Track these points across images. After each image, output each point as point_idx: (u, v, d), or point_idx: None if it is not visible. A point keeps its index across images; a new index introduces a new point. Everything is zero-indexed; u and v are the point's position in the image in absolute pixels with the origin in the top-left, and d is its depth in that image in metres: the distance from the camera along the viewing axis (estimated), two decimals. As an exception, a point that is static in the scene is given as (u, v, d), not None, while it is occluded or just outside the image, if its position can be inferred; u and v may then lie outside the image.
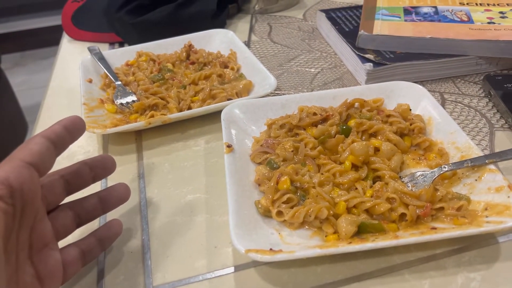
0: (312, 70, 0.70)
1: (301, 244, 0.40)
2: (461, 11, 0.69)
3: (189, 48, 0.71)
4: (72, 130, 0.38)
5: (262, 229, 0.42)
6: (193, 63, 0.70)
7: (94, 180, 0.42)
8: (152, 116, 0.58)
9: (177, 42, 0.74)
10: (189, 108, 0.60)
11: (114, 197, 0.43)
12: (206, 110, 0.58)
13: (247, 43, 0.79)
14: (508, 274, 0.38)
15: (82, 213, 0.41)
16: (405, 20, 0.69)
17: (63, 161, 0.54)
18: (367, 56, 0.63)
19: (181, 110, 0.59)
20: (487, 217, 0.40)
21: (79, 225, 0.41)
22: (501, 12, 0.68)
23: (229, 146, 0.49)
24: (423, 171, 0.46)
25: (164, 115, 0.58)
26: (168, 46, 0.74)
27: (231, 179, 0.45)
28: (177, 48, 0.73)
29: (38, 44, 2.19)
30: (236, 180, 0.45)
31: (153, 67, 0.68)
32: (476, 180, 0.44)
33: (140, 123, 0.55)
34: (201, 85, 0.63)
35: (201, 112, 0.57)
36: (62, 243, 0.39)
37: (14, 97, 1.63)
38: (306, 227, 0.43)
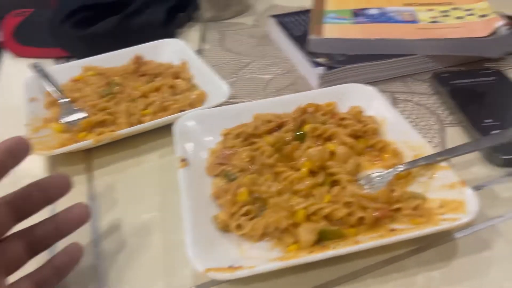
0: (266, 76, 0.70)
1: (262, 257, 0.39)
2: (406, 11, 0.71)
3: (137, 60, 0.69)
4: (14, 152, 0.35)
5: (221, 245, 0.41)
6: (143, 75, 0.67)
7: (47, 203, 0.38)
8: (101, 133, 0.55)
9: (126, 54, 0.72)
10: (140, 122, 0.57)
11: (72, 219, 0.39)
12: (158, 124, 0.56)
13: (199, 52, 0.78)
14: (466, 269, 0.39)
15: (35, 241, 0.37)
16: (354, 23, 0.69)
17: (7, 187, 0.51)
18: (318, 60, 0.63)
19: (132, 125, 0.57)
20: (443, 214, 0.40)
21: (33, 255, 0.37)
22: (443, 11, 0.70)
23: (183, 160, 0.48)
24: (379, 172, 0.47)
25: (114, 131, 0.55)
26: (117, 59, 0.71)
27: (186, 196, 0.43)
28: (126, 60, 0.71)
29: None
30: (192, 196, 0.44)
31: (101, 81, 0.66)
32: (429, 178, 0.45)
33: (89, 141, 0.53)
34: (152, 97, 0.61)
35: (152, 125, 0.56)
36: (14, 277, 0.36)
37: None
38: (267, 239, 0.42)
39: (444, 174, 0.44)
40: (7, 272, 0.35)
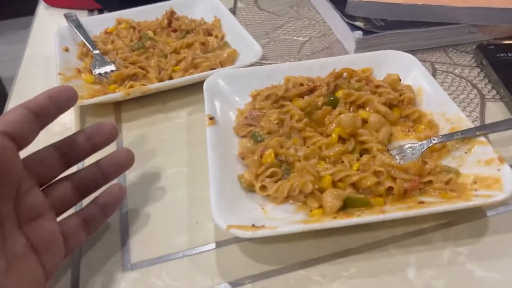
0: (300, 38, 0.67)
1: (285, 219, 0.39)
2: (455, -23, 0.67)
3: (171, 15, 0.68)
4: (59, 100, 0.36)
5: (245, 204, 0.41)
6: (175, 30, 0.66)
7: (94, 150, 0.40)
8: (132, 86, 0.55)
9: (158, 8, 0.71)
10: (170, 78, 0.57)
11: (115, 165, 0.40)
12: (188, 80, 0.55)
13: (233, 10, 0.76)
14: (495, 248, 0.37)
15: (82, 184, 0.39)
16: (397, -14, 0.66)
17: (40, 136, 0.52)
18: (356, 24, 0.61)
19: (162, 80, 0.57)
20: (476, 190, 0.39)
21: (80, 197, 0.39)
22: (496, -22, 0.65)
23: (211, 118, 0.47)
24: (411, 144, 0.45)
25: (144, 85, 0.55)
26: (149, 13, 0.70)
27: (213, 153, 0.43)
28: (158, 15, 0.70)
29: (17, 13, 2.09)
30: (219, 154, 0.44)
31: (133, 35, 0.65)
32: (466, 152, 0.43)
33: (119, 93, 0.53)
34: (183, 54, 0.60)
35: (182, 82, 0.55)
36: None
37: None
38: (291, 201, 0.41)
39: (481, 149, 0.42)
40: (56, 211, 0.37)
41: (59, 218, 0.37)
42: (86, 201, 0.40)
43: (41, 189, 0.36)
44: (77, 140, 0.38)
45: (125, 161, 0.41)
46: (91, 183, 0.39)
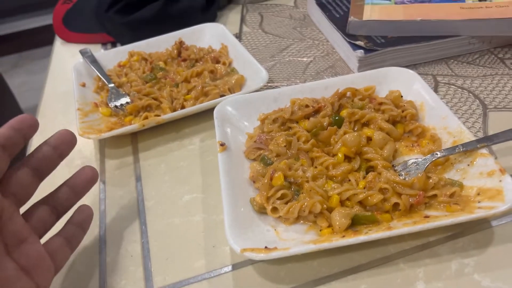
0: (305, 59, 0.70)
1: (296, 239, 0.41)
2: (452, -11, 0.68)
3: (180, 45, 0.71)
4: (21, 129, 0.38)
5: (258, 226, 0.43)
6: (184, 60, 0.70)
7: (61, 158, 0.42)
8: (146, 117, 0.58)
9: (168, 39, 0.74)
10: (183, 107, 0.60)
11: (83, 181, 0.43)
12: (199, 108, 0.58)
13: (239, 35, 0.79)
14: (501, 258, 0.39)
15: (57, 204, 0.42)
16: (396, 3, 0.68)
17: (63, 169, 0.55)
18: (357, 43, 0.63)
19: (174, 110, 0.59)
20: (479, 202, 0.40)
21: (58, 216, 0.42)
22: (492, -11, 0.67)
23: (222, 144, 0.49)
24: (415, 159, 0.47)
25: (158, 115, 0.58)
26: (160, 44, 0.74)
27: (225, 178, 0.45)
28: (168, 45, 0.73)
29: (34, 44, 2.18)
30: (231, 179, 0.46)
31: (145, 66, 0.68)
32: (468, 165, 0.44)
33: (134, 125, 0.56)
34: (193, 82, 0.63)
35: (194, 110, 0.58)
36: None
37: (14, 99, 1.64)
38: (302, 221, 0.43)
39: (483, 161, 0.43)
40: (37, 231, 0.40)
41: (42, 240, 0.40)
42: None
43: (22, 214, 0.39)
44: (44, 151, 0.40)
45: (91, 177, 0.44)
46: (65, 203, 0.42)
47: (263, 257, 0.37)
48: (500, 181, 0.40)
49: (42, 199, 0.42)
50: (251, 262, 0.41)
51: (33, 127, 0.39)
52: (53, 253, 0.39)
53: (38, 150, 0.40)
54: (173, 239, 0.45)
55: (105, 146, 0.59)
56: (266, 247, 0.39)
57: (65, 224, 0.42)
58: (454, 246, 0.40)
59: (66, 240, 0.41)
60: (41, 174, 0.40)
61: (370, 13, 0.66)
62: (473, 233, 0.41)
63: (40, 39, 2.12)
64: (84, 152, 0.58)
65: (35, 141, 0.62)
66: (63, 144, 0.41)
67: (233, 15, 0.86)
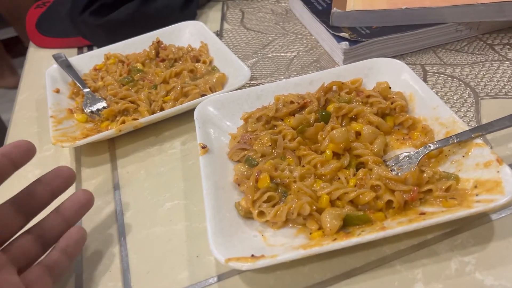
0: (288, 54, 0.67)
1: (285, 244, 0.38)
2: (436, -24, 0.66)
3: (158, 45, 0.68)
4: (12, 156, 0.36)
5: (244, 233, 0.40)
6: (163, 60, 0.67)
7: (53, 196, 0.40)
8: (123, 122, 0.55)
9: (145, 39, 0.71)
10: (162, 109, 0.57)
11: (75, 206, 0.40)
12: (179, 110, 0.55)
13: (220, 33, 0.76)
14: (503, 254, 0.36)
15: (43, 233, 0.39)
16: (379, -8, 0.65)
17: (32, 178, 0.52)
18: (342, 34, 0.60)
19: (153, 112, 0.56)
20: (477, 195, 0.38)
21: (45, 246, 0.39)
22: (477, -27, 0.65)
23: (203, 147, 0.47)
24: (407, 153, 0.44)
25: (136, 119, 0.55)
26: (137, 45, 0.71)
27: (208, 183, 0.43)
28: (146, 46, 0.70)
29: (12, 54, 2.13)
30: (214, 183, 0.43)
31: (122, 69, 0.65)
32: (463, 156, 0.42)
33: (111, 131, 0.53)
34: (172, 83, 0.60)
35: (173, 112, 0.55)
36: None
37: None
38: (290, 225, 0.41)
39: (478, 151, 0.41)
40: (19, 265, 0.36)
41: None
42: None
43: (1, 248, 0.36)
44: (34, 189, 0.38)
45: (85, 201, 0.41)
46: (52, 231, 0.39)
47: (249, 267, 0.35)
48: (498, 171, 0.38)
49: (27, 229, 0.38)
50: (238, 271, 0.39)
51: (29, 151, 0.37)
52: (32, 284, 0.35)
53: (29, 187, 0.38)
54: (154, 250, 0.42)
55: (81, 154, 0.55)
56: (252, 255, 0.36)
57: (50, 251, 0.39)
58: (452, 244, 0.38)
59: (47, 269, 0.37)
60: (26, 211, 0.38)
61: (353, 3, 0.64)
62: (472, 228, 0.39)
63: (18, 49, 2.06)
64: (59, 161, 0.55)
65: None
66: (57, 180, 0.40)
67: (214, 12, 0.83)
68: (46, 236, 0.39)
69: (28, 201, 0.38)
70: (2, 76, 2.04)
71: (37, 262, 0.38)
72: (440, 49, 0.61)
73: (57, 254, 0.38)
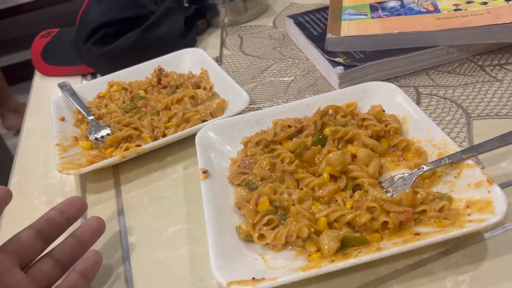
0: (286, 79, 0.69)
1: (285, 267, 0.40)
2: (427, 1, 0.69)
3: (160, 72, 0.70)
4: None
5: (245, 256, 0.41)
6: (165, 87, 0.69)
7: (69, 222, 0.43)
8: (127, 148, 0.57)
9: (147, 67, 0.73)
10: (164, 135, 0.59)
11: (89, 231, 0.43)
12: (181, 136, 0.57)
13: (219, 58, 0.78)
14: (497, 272, 0.37)
15: (62, 256, 0.41)
16: (372, 17, 0.68)
17: (44, 208, 0.54)
18: (337, 59, 0.62)
19: (156, 138, 0.58)
20: (469, 215, 0.39)
21: (63, 269, 0.41)
22: (466, -2, 0.67)
23: (205, 172, 0.48)
24: (402, 174, 0.46)
25: (139, 145, 0.57)
26: (139, 73, 0.73)
27: (209, 207, 0.44)
28: (148, 73, 0.72)
29: (16, 80, 2.16)
30: (215, 207, 0.45)
31: (125, 96, 0.67)
32: (455, 177, 0.43)
33: (115, 158, 0.54)
34: (174, 109, 0.62)
35: (175, 138, 0.57)
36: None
37: (1, 139, 1.62)
38: (290, 247, 0.42)
39: (470, 172, 0.42)
40: (40, 284, 0.38)
41: None
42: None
43: (24, 270, 0.39)
44: (51, 216, 0.42)
45: (98, 227, 0.44)
46: (70, 254, 0.41)
47: (250, 289, 0.36)
48: (489, 192, 0.39)
49: (45, 254, 0.41)
50: (240, 293, 0.40)
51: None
52: None
53: (44, 215, 0.42)
54: (158, 274, 0.43)
55: (86, 180, 0.57)
56: (253, 278, 0.37)
57: (68, 274, 0.41)
58: (447, 263, 0.39)
59: None
60: (46, 236, 0.41)
61: (348, 29, 0.66)
62: (466, 247, 0.40)
63: (22, 75, 2.10)
64: (65, 188, 0.57)
65: (14, 180, 0.60)
66: (71, 208, 0.43)
67: (213, 38, 0.85)
68: (64, 260, 0.41)
69: (47, 227, 0.41)
70: (5, 118, 2.11)
71: (57, 285, 0.40)
72: (432, 71, 0.63)
73: (76, 277, 0.40)
